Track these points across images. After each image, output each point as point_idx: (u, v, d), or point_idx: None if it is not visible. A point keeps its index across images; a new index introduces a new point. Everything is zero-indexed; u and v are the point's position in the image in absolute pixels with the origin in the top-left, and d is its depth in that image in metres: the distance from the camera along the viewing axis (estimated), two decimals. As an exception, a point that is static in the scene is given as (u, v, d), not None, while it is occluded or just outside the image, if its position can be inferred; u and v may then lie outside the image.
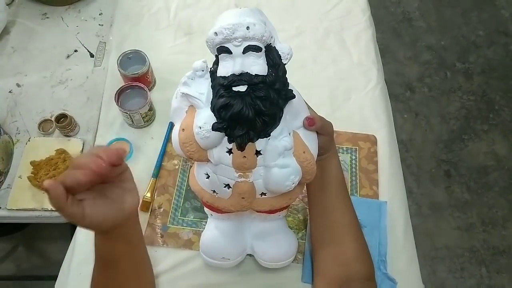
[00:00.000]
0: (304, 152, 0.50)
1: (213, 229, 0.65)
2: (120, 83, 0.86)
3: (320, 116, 0.55)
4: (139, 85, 0.84)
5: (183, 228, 0.75)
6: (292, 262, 0.71)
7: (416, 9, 2.07)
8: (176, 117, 0.52)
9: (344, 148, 0.83)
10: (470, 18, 2.05)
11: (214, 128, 0.47)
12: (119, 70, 0.86)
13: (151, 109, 0.85)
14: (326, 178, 0.60)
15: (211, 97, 0.47)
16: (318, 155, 0.55)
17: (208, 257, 0.66)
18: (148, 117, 0.85)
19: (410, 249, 0.75)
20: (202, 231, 0.72)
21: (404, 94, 1.83)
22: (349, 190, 0.78)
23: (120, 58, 0.87)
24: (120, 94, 0.83)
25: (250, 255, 0.70)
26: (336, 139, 0.83)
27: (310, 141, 0.52)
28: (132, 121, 0.84)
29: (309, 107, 0.55)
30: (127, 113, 0.82)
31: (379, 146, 0.85)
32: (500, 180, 1.64)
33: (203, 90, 0.48)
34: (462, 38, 1.99)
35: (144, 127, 0.87)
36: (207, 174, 0.53)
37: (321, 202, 0.61)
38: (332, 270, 0.60)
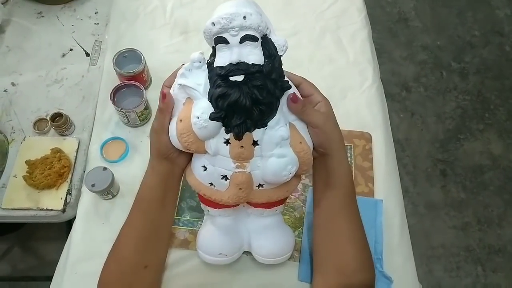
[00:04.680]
0: (300, 142, 0.51)
1: (209, 226, 0.65)
2: (116, 82, 0.86)
3: (317, 109, 0.53)
4: (134, 84, 0.83)
5: (179, 228, 0.75)
6: (288, 259, 0.71)
7: (412, 9, 2.08)
8: (174, 109, 0.52)
9: (340, 147, 0.83)
10: (466, 18, 2.06)
11: (212, 117, 0.47)
12: (114, 69, 0.85)
13: (146, 108, 0.85)
14: (331, 182, 0.58)
15: (209, 88, 0.48)
16: (320, 154, 0.55)
17: (205, 253, 0.66)
18: (144, 116, 0.85)
19: (406, 247, 0.75)
20: (198, 230, 0.72)
21: (400, 94, 1.84)
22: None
23: (116, 57, 0.86)
24: (115, 93, 0.83)
25: (247, 253, 0.70)
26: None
27: (306, 132, 0.53)
28: (128, 120, 0.84)
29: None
30: (122, 112, 0.81)
31: (375, 145, 0.85)
32: (496, 179, 1.65)
33: (200, 81, 0.49)
34: (458, 38, 2.00)
35: (140, 126, 0.87)
36: (204, 166, 0.53)
37: (326, 208, 0.60)
38: (334, 279, 0.59)
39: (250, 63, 0.46)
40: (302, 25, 1.03)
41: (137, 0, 1.07)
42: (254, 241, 0.66)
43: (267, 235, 0.65)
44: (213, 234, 0.65)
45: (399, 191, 0.81)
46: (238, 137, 0.48)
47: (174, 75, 0.52)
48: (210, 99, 0.47)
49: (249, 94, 0.46)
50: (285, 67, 0.50)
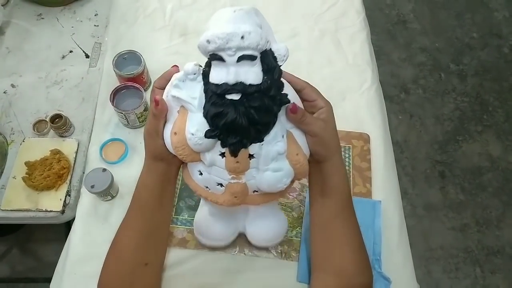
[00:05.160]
0: (297, 154, 0.50)
1: (206, 211, 0.67)
2: (116, 83, 0.87)
3: (316, 116, 0.52)
4: (134, 85, 0.84)
5: (177, 227, 0.75)
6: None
7: (410, 11, 2.09)
8: (168, 116, 0.51)
9: (339, 147, 0.84)
10: (464, 20, 2.07)
11: (207, 136, 0.46)
12: (114, 70, 0.86)
13: (146, 109, 0.85)
14: (327, 188, 0.57)
15: (204, 101, 0.46)
16: (316, 161, 0.54)
17: (202, 236, 0.68)
18: (144, 117, 0.85)
19: (404, 248, 0.76)
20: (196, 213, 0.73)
21: (399, 96, 1.84)
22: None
23: (116, 58, 0.87)
24: (115, 95, 0.83)
25: (244, 252, 0.71)
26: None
27: (303, 140, 0.52)
28: (127, 121, 0.84)
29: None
30: (122, 113, 0.82)
31: (374, 146, 0.85)
32: (494, 180, 1.65)
33: (195, 94, 0.47)
34: (456, 40, 2.01)
35: (140, 127, 0.87)
36: (200, 171, 0.53)
37: (322, 214, 0.60)
38: (332, 282, 0.59)
39: (248, 84, 0.43)
40: (301, 27, 1.04)
41: (137, 2, 1.07)
42: (249, 226, 0.67)
43: (262, 221, 0.66)
44: (209, 219, 0.66)
45: (397, 192, 0.82)
46: (234, 154, 0.47)
47: (164, 77, 0.51)
48: (205, 116, 0.46)
49: (246, 114, 0.44)
50: (284, 69, 0.49)
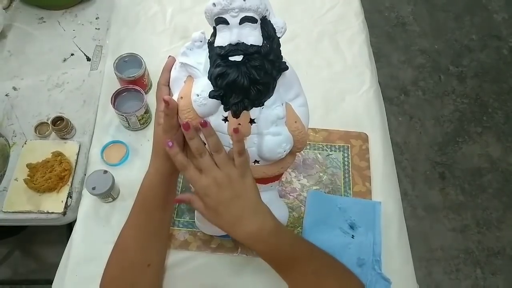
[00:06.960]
0: (295, 121, 0.53)
1: None
2: (117, 86, 0.87)
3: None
4: (135, 88, 0.84)
5: (179, 229, 0.76)
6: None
7: (409, 14, 2.10)
8: (175, 86, 0.54)
9: (336, 146, 0.84)
10: (463, 22, 2.08)
11: (211, 95, 0.49)
12: (115, 73, 0.86)
13: (147, 111, 0.85)
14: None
15: (209, 66, 0.50)
16: None
17: (203, 224, 0.69)
18: (144, 120, 0.86)
19: (404, 249, 0.76)
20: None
21: (398, 98, 1.85)
22: (342, 187, 0.80)
23: (117, 61, 0.87)
24: (116, 97, 0.84)
25: (246, 255, 0.71)
26: (329, 137, 0.85)
27: (301, 113, 0.55)
28: (129, 123, 0.85)
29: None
30: (123, 115, 0.82)
31: (373, 148, 0.86)
32: (494, 182, 1.66)
33: (201, 60, 0.51)
34: (456, 42, 2.02)
35: (141, 129, 0.88)
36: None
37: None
38: None
39: (249, 44, 0.48)
40: (301, 30, 1.04)
41: (138, 5, 1.08)
42: None
43: None
44: None
45: (397, 193, 0.82)
46: (236, 115, 0.50)
47: (165, 70, 0.56)
48: (209, 78, 0.49)
49: (247, 74, 0.48)
50: None
